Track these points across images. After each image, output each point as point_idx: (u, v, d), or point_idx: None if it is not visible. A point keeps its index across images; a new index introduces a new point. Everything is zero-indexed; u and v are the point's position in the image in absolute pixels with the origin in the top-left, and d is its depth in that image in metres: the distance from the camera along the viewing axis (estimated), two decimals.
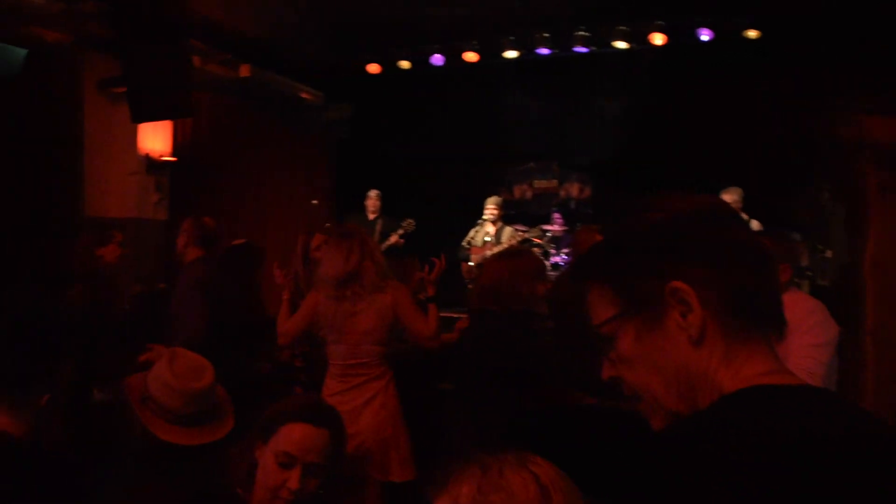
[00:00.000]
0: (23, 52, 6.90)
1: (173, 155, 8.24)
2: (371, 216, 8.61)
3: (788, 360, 2.83)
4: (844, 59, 5.86)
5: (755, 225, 7.27)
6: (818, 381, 2.81)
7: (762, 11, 7.67)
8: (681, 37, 8.20)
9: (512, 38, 8.85)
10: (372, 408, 3.47)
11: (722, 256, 1.03)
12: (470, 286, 8.02)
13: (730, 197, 7.43)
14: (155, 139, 8.16)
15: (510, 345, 2.98)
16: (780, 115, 7.60)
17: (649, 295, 1.03)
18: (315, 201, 8.83)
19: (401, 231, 8.02)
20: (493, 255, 3.38)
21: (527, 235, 8.03)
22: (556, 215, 9.74)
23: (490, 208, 7.94)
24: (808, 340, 2.88)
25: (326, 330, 3.60)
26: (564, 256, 9.16)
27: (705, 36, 8.13)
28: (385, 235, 8.06)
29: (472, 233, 8.02)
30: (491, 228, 7.93)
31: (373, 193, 8.60)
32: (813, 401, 0.98)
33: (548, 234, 8.85)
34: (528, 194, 10.73)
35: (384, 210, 8.58)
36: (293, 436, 2.05)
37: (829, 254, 7.85)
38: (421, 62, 9.21)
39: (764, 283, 1.09)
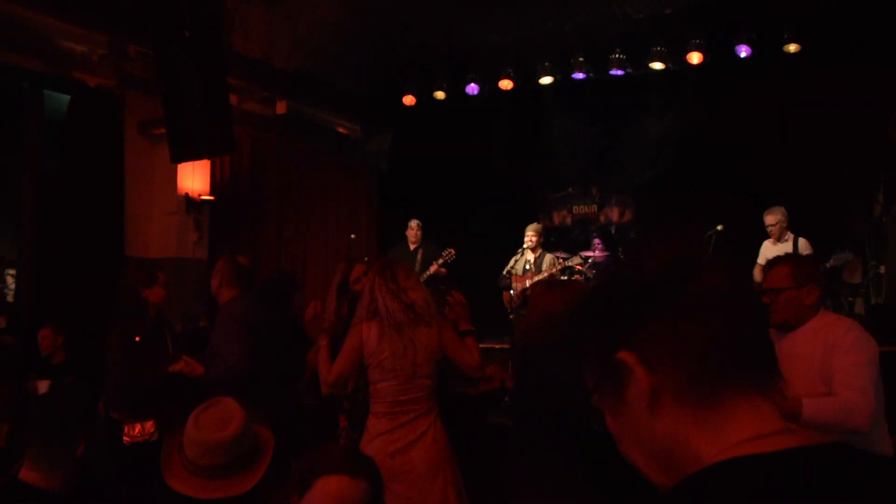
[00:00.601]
0: (67, 97, 7.06)
1: (211, 194, 8.32)
2: (412, 246, 8.55)
3: (834, 379, 2.70)
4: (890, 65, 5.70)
5: (803, 244, 7.06)
6: (871, 399, 2.70)
7: (801, 23, 7.51)
8: (719, 54, 8.06)
9: (547, 63, 8.80)
10: (424, 443, 3.34)
11: (682, 313, 0.92)
12: (511, 316, 7.90)
13: (773, 217, 7.24)
14: (194, 179, 8.26)
15: (569, 383, 2.83)
16: (829, 127, 7.41)
17: (608, 368, 0.95)
18: (353, 235, 8.79)
19: (441, 260, 7.94)
20: (541, 286, 3.14)
21: (568, 263, 7.88)
22: (597, 241, 9.61)
23: (530, 235, 7.82)
24: (850, 359, 2.75)
25: (375, 368, 3.41)
26: None
27: (744, 52, 7.99)
28: (426, 265, 8.01)
29: (512, 261, 7.91)
30: (531, 256, 7.81)
31: (413, 223, 8.56)
32: (812, 469, 0.82)
33: (589, 260, 8.70)
34: (568, 220, 10.59)
35: (426, 239, 8.53)
36: (329, 489, 1.98)
37: (882, 269, 7.61)
38: (457, 92, 9.20)
39: (743, 331, 0.94)
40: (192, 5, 6.14)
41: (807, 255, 2.97)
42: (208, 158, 8.00)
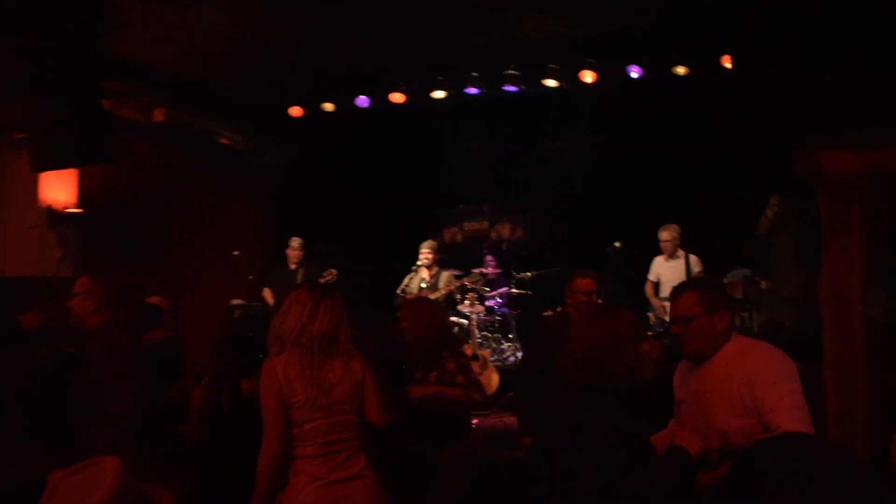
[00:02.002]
0: None
1: (79, 206, 7.61)
2: (293, 265, 8.17)
3: (773, 413, 2.56)
4: (791, 95, 5.90)
5: (694, 261, 7.23)
6: (812, 426, 2.64)
7: (692, 49, 7.71)
8: (612, 74, 8.16)
9: (440, 77, 8.64)
10: (365, 484, 3.05)
11: None
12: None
13: (668, 234, 7.40)
14: (59, 189, 7.53)
15: (618, 429, 2.45)
16: (723, 149, 7.63)
17: None
18: (236, 252, 8.29)
19: (322, 282, 7.58)
20: (587, 317, 2.73)
21: (465, 281, 7.71)
22: (489, 257, 9.50)
23: (425, 252, 7.62)
24: (783, 389, 2.64)
25: (300, 407, 3.02)
26: (499, 300, 8.91)
27: (635, 73, 8.12)
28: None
29: (406, 279, 7.67)
30: (426, 274, 7.61)
31: (295, 242, 8.17)
32: None
33: (484, 277, 8.59)
34: (459, 237, 10.49)
35: (313, 257, 8.17)
36: None
37: (763, 285, 7.90)
38: (346, 105, 8.89)
39: None
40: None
41: (712, 280, 2.93)
42: (77, 168, 7.34)
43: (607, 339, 2.52)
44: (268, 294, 8.02)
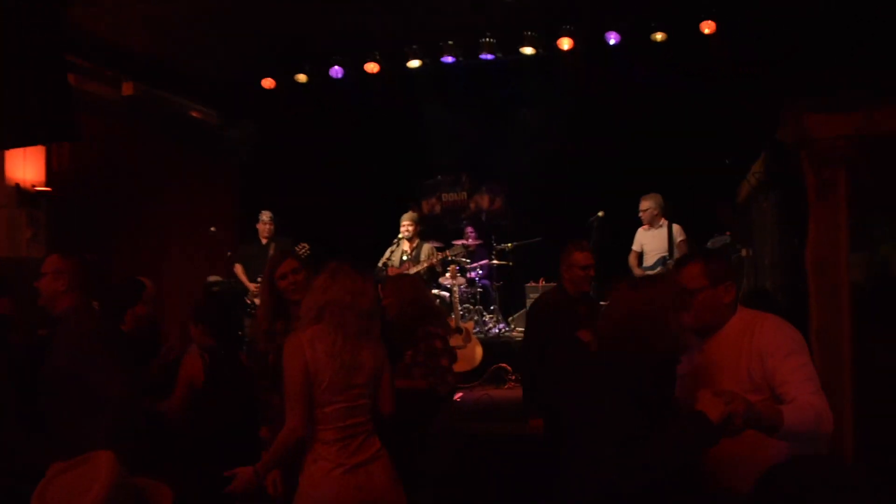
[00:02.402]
0: None
1: (48, 185, 7.37)
2: (264, 240, 7.95)
3: (786, 385, 2.49)
4: (775, 57, 5.84)
5: (677, 230, 7.21)
6: (825, 398, 2.54)
7: (671, 14, 7.63)
8: (590, 41, 8.06)
9: (415, 46, 8.47)
10: (381, 465, 2.95)
11: None
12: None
13: (646, 203, 7.37)
14: (26, 168, 7.28)
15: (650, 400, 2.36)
16: (705, 117, 7.58)
17: None
18: (213, 228, 8.09)
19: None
20: (624, 285, 2.52)
21: (448, 254, 7.62)
22: (469, 229, 9.44)
23: (406, 225, 7.51)
24: (794, 362, 2.56)
25: (323, 389, 2.86)
26: (480, 271, 8.85)
27: (612, 40, 8.03)
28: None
29: (388, 253, 7.57)
30: (407, 247, 7.51)
31: (265, 216, 7.94)
32: None
33: (466, 249, 8.52)
34: (437, 208, 10.38)
35: (288, 232, 7.98)
36: None
37: (743, 252, 7.91)
38: (321, 75, 8.70)
39: None
40: None
41: (715, 250, 2.79)
42: (45, 145, 7.10)
43: (649, 308, 2.36)
44: (240, 270, 7.84)
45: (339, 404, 2.87)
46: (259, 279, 7.62)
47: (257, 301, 7.55)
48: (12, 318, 4.21)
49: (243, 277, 7.70)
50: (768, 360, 2.55)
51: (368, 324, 2.95)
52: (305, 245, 7.51)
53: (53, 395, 3.33)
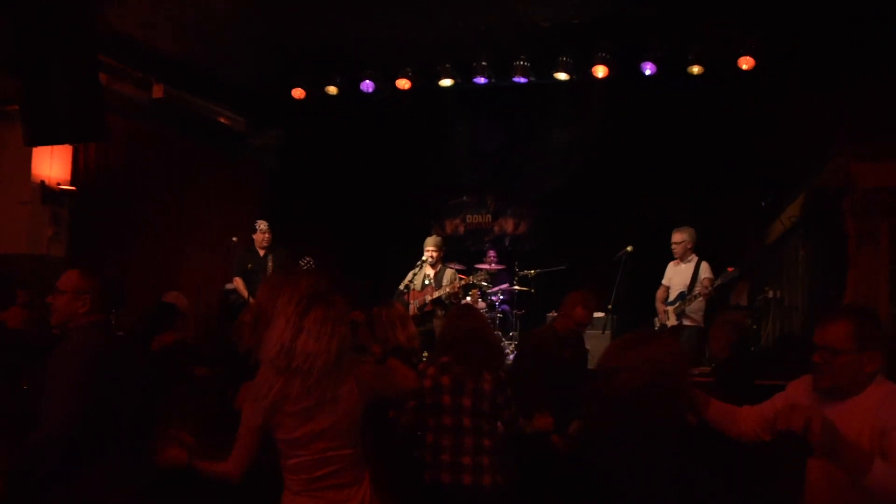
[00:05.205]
0: None
1: (73, 183, 7.35)
2: (261, 251, 7.68)
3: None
4: (817, 100, 5.68)
5: (705, 267, 7.00)
6: None
7: (707, 46, 7.50)
8: (624, 70, 7.94)
9: (448, 65, 8.39)
10: None
11: None
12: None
13: (679, 236, 7.18)
14: (52, 165, 7.28)
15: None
16: (739, 154, 7.43)
17: None
18: (235, 238, 7.98)
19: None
20: (619, 344, 2.15)
21: (471, 278, 7.48)
22: (492, 252, 9.29)
23: (430, 250, 7.36)
24: None
25: (279, 440, 2.59)
26: (501, 296, 8.70)
27: (648, 70, 7.90)
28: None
29: (410, 276, 7.40)
30: (430, 271, 7.36)
31: (262, 225, 7.68)
32: None
33: (485, 272, 8.38)
34: (461, 229, 10.26)
35: (277, 244, 7.70)
36: None
37: (770, 294, 7.70)
38: (352, 89, 8.63)
39: None
40: None
41: (869, 311, 2.47)
42: (72, 144, 7.08)
43: (672, 363, 2.04)
44: (240, 284, 7.61)
45: (301, 458, 2.59)
46: None
47: None
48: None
49: (243, 291, 7.55)
50: (890, 434, 2.30)
51: (324, 366, 2.53)
52: (309, 259, 7.38)
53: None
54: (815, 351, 2.48)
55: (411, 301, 7.20)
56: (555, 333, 4.73)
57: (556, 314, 8.00)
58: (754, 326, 7.04)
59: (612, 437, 2.13)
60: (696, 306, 6.92)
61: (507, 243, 9.92)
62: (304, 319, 2.53)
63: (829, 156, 4.76)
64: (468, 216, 10.19)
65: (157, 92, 7.57)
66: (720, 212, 7.57)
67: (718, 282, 6.94)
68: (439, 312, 7.00)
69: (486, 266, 8.61)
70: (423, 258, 7.35)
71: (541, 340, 4.81)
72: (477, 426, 3.51)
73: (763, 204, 7.02)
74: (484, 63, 8.30)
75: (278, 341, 2.53)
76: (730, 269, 6.83)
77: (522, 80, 8.33)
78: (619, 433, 2.14)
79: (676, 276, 7.20)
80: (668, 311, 7.14)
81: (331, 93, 8.71)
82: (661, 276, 7.34)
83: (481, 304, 8.04)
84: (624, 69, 7.95)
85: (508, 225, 10.03)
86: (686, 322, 6.98)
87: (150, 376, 3.52)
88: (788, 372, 3.07)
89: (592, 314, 4.74)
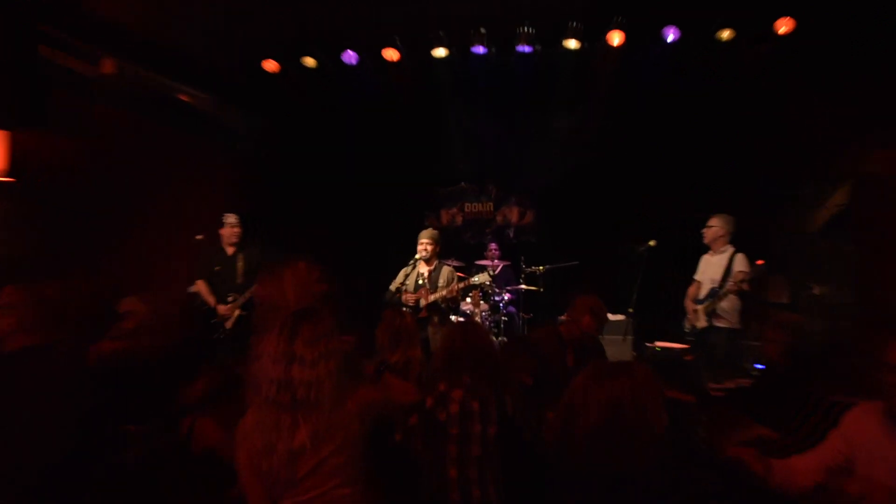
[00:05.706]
0: None
1: (10, 174, 6.45)
2: (229, 249, 6.74)
3: None
4: (844, 87, 4.82)
5: (740, 260, 6.15)
6: None
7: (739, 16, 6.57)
8: (642, 37, 6.98)
9: (442, 33, 7.39)
10: None
11: None
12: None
13: (715, 220, 6.37)
14: None
15: None
16: (773, 137, 6.54)
17: None
18: (200, 236, 6.95)
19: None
20: (586, 377, 2.18)
21: (470, 281, 6.46)
22: (493, 245, 8.35)
23: (424, 243, 6.31)
24: None
25: (266, 483, 2.39)
26: (506, 297, 7.74)
27: (671, 36, 6.94)
28: (249, 276, 6.35)
29: (401, 275, 6.39)
30: (424, 269, 6.36)
31: (232, 218, 6.71)
32: None
33: (492, 273, 7.41)
34: (459, 219, 9.32)
35: (248, 241, 6.77)
36: None
37: (816, 290, 6.90)
38: (331, 61, 7.63)
39: None
40: None
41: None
42: (7, 130, 6.21)
43: (634, 400, 2.09)
44: (203, 288, 6.68)
45: (286, 500, 2.41)
46: (230, 298, 6.53)
47: (227, 325, 6.49)
48: None
49: (208, 296, 6.60)
50: None
51: (307, 395, 2.36)
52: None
53: None
54: (888, 370, 2.31)
55: (406, 304, 6.22)
56: (558, 336, 4.59)
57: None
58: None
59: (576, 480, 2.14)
60: (729, 305, 6.09)
61: (511, 235, 8.99)
62: (294, 345, 2.41)
63: (875, 138, 3.93)
64: (466, 204, 9.25)
65: (108, 66, 6.62)
66: (749, 201, 6.70)
67: (749, 276, 6.08)
68: (435, 319, 6.04)
69: (487, 262, 7.67)
70: (417, 255, 6.35)
71: (540, 340, 4.53)
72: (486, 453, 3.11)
73: (797, 194, 6.20)
74: (483, 30, 7.30)
75: (271, 377, 2.38)
76: (759, 263, 6.02)
77: (527, 49, 7.35)
78: (582, 477, 2.14)
79: (707, 269, 6.36)
80: (697, 310, 6.30)
81: (309, 65, 7.70)
82: (692, 273, 6.48)
83: (483, 306, 7.11)
84: (642, 36, 7.01)
85: (513, 214, 9.08)
86: (717, 323, 6.15)
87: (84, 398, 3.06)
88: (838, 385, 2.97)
89: (602, 324, 4.55)
